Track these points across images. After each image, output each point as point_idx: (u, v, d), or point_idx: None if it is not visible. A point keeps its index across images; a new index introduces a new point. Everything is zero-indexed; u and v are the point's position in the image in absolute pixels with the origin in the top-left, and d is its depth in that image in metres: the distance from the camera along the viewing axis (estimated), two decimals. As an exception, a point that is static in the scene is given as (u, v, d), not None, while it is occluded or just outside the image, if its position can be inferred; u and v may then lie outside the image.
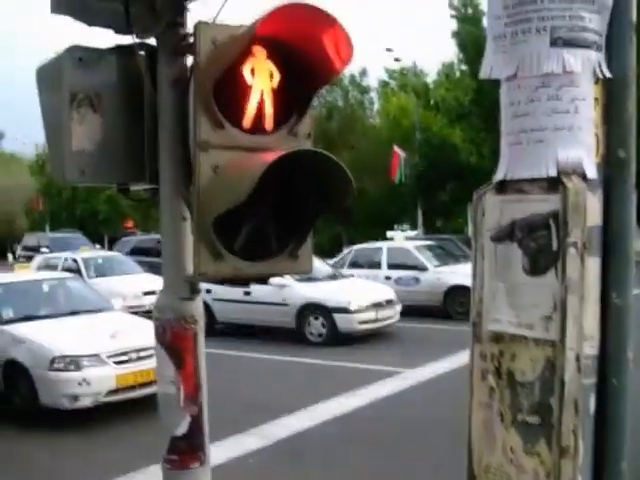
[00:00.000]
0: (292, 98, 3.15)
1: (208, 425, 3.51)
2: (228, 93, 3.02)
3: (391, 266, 19.63)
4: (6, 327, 10.19)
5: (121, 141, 3.39)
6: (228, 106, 3.03)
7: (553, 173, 2.47)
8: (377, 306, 15.36)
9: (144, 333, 9.30)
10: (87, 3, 3.42)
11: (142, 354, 9.56)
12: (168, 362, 3.34)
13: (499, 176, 2.65)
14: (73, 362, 9.22)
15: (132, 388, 9.49)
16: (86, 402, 9.21)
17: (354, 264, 20.29)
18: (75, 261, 20.54)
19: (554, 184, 2.47)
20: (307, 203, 3.10)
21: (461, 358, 11.53)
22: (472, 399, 2.78)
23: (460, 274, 17.57)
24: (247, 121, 3.07)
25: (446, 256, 20.76)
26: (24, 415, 9.45)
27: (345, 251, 22.72)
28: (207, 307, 16.20)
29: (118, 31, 3.49)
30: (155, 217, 46.41)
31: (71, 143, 3.27)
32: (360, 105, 45.46)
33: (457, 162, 37.42)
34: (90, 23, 3.54)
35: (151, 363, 8.92)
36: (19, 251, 37.23)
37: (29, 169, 64.91)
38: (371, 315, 15.19)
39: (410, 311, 17.14)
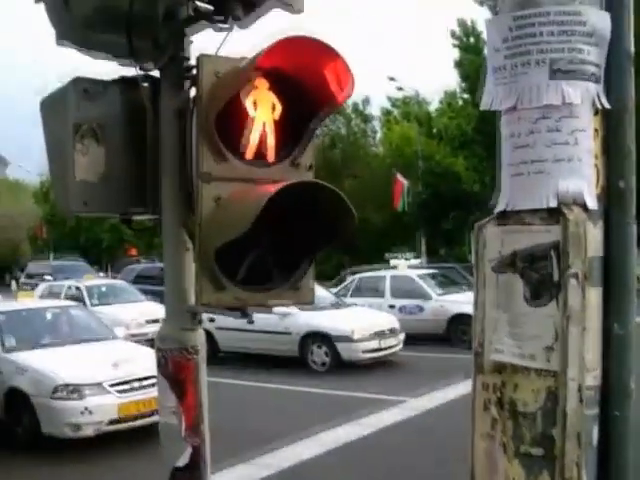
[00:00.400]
0: (294, 130, 3.17)
1: (209, 455, 3.49)
2: (230, 125, 3.04)
3: (394, 294, 19.59)
4: (9, 355, 10.16)
5: (124, 172, 3.40)
6: (230, 138, 3.05)
7: (554, 204, 2.48)
8: (380, 335, 15.32)
9: (147, 362, 9.31)
10: (90, 35, 3.46)
11: (144, 383, 9.52)
12: (169, 392, 3.33)
13: (500, 207, 2.66)
14: (76, 391, 9.16)
15: (134, 417, 9.43)
16: (88, 431, 9.14)
17: (357, 292, 20.25)
18: (78, 289, 20.54)
19: (555, 215, 2.48)
20: (309, 235, 3.10)
21: (464, 387, 11.44)
22: (474, 430, 2.77)
23: (463, 302, 17.51)
24: (249, 153, 3.08)
25: (449, 284, 20.74)
26: (26, 444, 9.41)
27: (348, 279, 22.67)
28: (210, 336, 16.13)
29: (121, 63, 3.52)
30: (158, 245, 46.57)
31: (75, 174, 3.29)
32: (363, 133, 45.64)
33: (460, 190, 37.50)
34: (94, 55, 3.58)
35: (153, 392, 8.86)
36: (22, 279, 37.24)
37: (33, 196, 65.14)
38: (374, 344, 15.14)
39: (413, 339, 17.08)
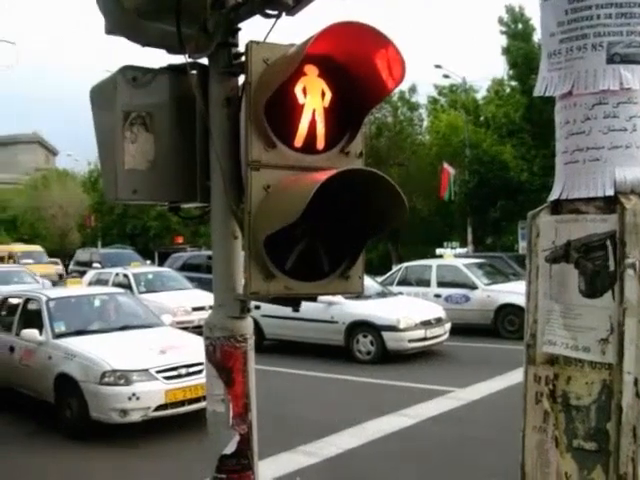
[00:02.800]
0: (344, 117, 3.15)
1: (257, 443, 3.50)
2: (280, 112, 3.02)
3: (441, 284, 19.46)
4: (58, 341, 10.30)
5: (173, 160, 3.41)
6: (280, 125, 3.03)
7: (610, 192, 2.42)
8: (426, 324, 15.21)
9: (194, 349, 9.39)
10: (140, 24, 3.47)
11: (191, 370, 9.59)
12: (218, 380, 3.34)
13: (554, 195, 2.61)
14: (123, 377, 9.26)
15: (181, 404, 9.47)
16: (135, 417, 9.22)
17: (403, 282, 20.16)
18: (126, 276, 20.77)
19: (611, 204, 2.42)
20: (359, 223, 3.08)
21: (511, 378, 11.36)
22: (526, 422, 2.73)
23: (510, 292, 17.36)
24: (299, 140, 3.06)
25: (496, 274, 20.51)
26: (74, 428, 9.54)
27: (394, 269, 22.56)
28: (255, 323, 16.17)
29: (170, 51, 3.53)
30: (204, 233, 46.89)
31: (124, 162, 3.31)
32: (409, 122, 45.24)
33: (507, 179, 37.05)
34: (143, 44, 3.59)
35: (200, 379, 9.06)
36: (71, 266, 37.89)
37: (82, 185, 66.04)
38: (420, 333, 15.03)
39: (460, 329, 16.96)
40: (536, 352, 2.68)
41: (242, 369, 3.35)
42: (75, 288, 13.63)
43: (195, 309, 17.81)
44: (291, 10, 3.21)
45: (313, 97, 3.06)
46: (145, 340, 10.66)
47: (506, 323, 17.69)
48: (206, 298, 16.80)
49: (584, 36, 2.50)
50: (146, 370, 9.43)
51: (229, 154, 3.26)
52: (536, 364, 2.68)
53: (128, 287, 19.23)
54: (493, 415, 9.86)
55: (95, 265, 31.56)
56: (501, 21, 39.41)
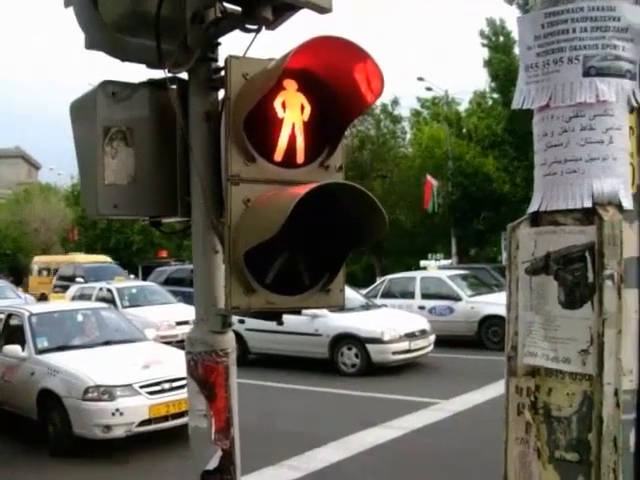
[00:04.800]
0: (323, 131, 3.15)
1: (239, 459, 3.48)
2: (259, 126, 3.03)
3: (425, 296, 19.50)
4: (41, 357, 10.21)
5: (153, 174, 3.41)
6: (259, 139, 3.03)
7: (588, 204, 2.44)
8: (410, 336, 15.23)
9: (177, 364, 9.24)
10: (119, 39, 3.47)
11: (175, 384, 9.51)
12: (199, 396, 3.32)
13: (533, 207, 2.62)
14: (107, 392, 9.17)
15: (165, 419, 9.43)
16: (119, 432, 9.15)
17: (387, 294, 20.17)
18: (109, 291, 20.67)
19: (589, 215, 2.43)
20: (339, 237, 3.08)
21: (495, 389, 11.39)
22: (508, 434, 2.73)
23: (494, 304, 17.38)
24: (278, 154, 3.07)
25: (480, 285, 20.59)
26: (57, 444, 9.45)
27: (378, 281, 22.59)
28: (239, 337, 16.13)
29: (150, 66, 3.53)
30: (188, 247, 46.76)
31: (104, 177, 3.30)
32: (392, 134, 45.35)
33: (490, 191, 37.24)
34: (123, 59, 3.58)
35: (183, 394, 8.80)
36: (54, 281, 37.55)
37: (65, 199, 65.76)
38: (404, 345, 15.04)
39: (445, 341, 16.98)
40: (517, 364, 2.69)
41: (224, 384, 3.33)
42: (58, 303, 13.55)
43: (179, 323, 17.72)
44: (271, 25, 3.23)
45: (292, 111, 3.07)
46: (128, 355, 10.60)
47: (490, 334, 17.74)
48: (190, 312, 16.66)
49: (560, 49, 2.52)
50: (129, 385, 9.35)
51: (209, 168, 3.26)
52: (517, 375, 2.69)
53: (112, 302, 19.13)
54: (477, 427, 9.87)
55: (78, 279, 31.33)
56: (482, 34, 39.69)
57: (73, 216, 60.56)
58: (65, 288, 26.63)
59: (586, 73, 2.48)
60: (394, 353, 14.90)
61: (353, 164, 37.62)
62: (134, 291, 21.40)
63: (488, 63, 39.26)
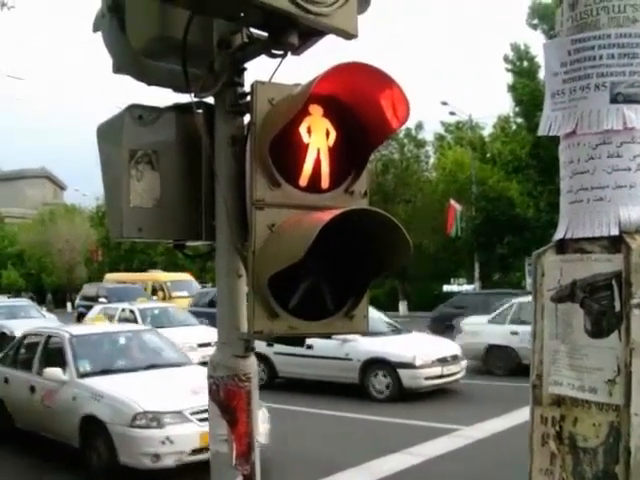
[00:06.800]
0: (348, 156, 3.15)
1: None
2: (285, 151, 3.03)
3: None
4: (83, 381, 9.76)
5: (178, 198, 3.42)
6: (285, 164, 3.03)
7: (615, 232, 2.41)
8: (443, 361, 14.91)
9: None
10: (147, 64, 3.50)
11: None
12: (221, 420, 3.31)
13: (559, 235, 2.60)
14: (155, 419, 8.68)
15: None
16: (169, 462, 8.58)
17: (517, 320, 17.37)
18: (132, 312, 20.76)
19: (616, 243, 2.41)
20: (363, 263, 3.07)
21: (520, 416, 11.26)
22: (532, 464, 2.70)
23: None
24: (303, 180, 3.07)
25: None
26: (102, 474, 9.00)
27: (505, 305, 18.97)
28: (268, 361, 15.99)
29: (176, 90, 3.56)
30: (211, 269, 46.86)
31: (129, 200, 3.31)
32: (416, 159, 45.44)
33: (514, 215, 37.13)
34: (149, 83, 3.62)
35: None
36: (78, 301, 37.72)
37: (89, 220, 66.36)
38: (437, 371, 14.71)
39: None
40: (542, 393, 2.65)
41: (246, 408, 3.32)
42: (98, 325, 13.16)
43: (200, 345, 17.73)
44: (296, 50, 3.24)
45: (318, 136, 3.07)
46: (175, 380, 10.10)
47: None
48: (212, 334, 16.75)
49: (587, 76, 2.51)
50: (179, 412, 8.85)
51: (234, 193, 3.27)
52: (542, 405, 2.66)
53: (134, 322, 19.18)
54: (499, 454, 9.76)
55: (101, 300, 31.50)
56: (507, 59, 39.81)
57: (97, 237, 61.07)
58: (89, 308, 26.75)
59: (613, 100, 2.46)
60: (426, 378, 14.58)
61: (377, 188, 37.64)
62: (156, 312, 21.49)
63: (512, 88, 39.30)
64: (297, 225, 2.91)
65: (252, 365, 3.39)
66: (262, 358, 15.30)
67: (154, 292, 33.43)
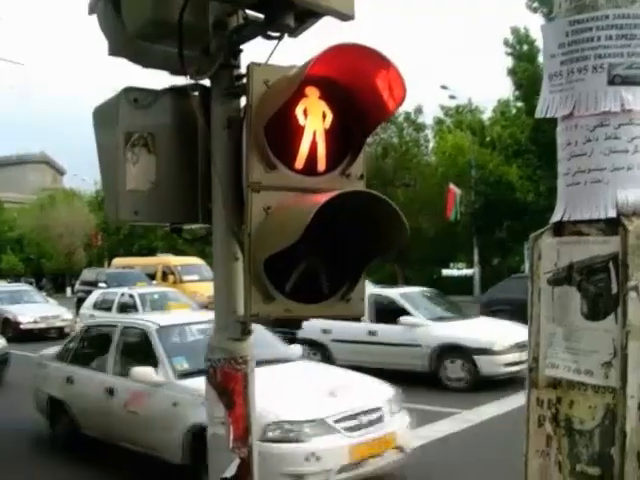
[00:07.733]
0: (345, 139, 3.14)
1: (257, 467, 3.46)
2: (281, 134, 3.02)
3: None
4: (184, 382, 7.75)
5: (175, 181, 3.41)
6: (281, 147, 3.02)
7: (612, 214, 2.40)
8: (521, 347, 12.58)
9: (364, 388, 7.86)
10: (142, 46, 3.49)
11: (371, 417, 7.34)
12: (218, 403, 3.32)
13: (556, 217, 2.59)
14: (293, 430, 6.90)
15: (362, 462, 7.09)
16: None
17: None
18: (131, 296, 20.78)
19: (613, 225, 2.40)
20: (359, 246, 3.06)
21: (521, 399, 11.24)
22: (528, 446, 2.70)
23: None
24: (299, 162, 3.05)
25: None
26: None
27: None
28: (324, 349, 14.90)
29: (172, 73, 3.54)
30: (210, 253, 46.56)
31: (125, 183, 3.30)
32: (415, 143, 45.30)
33: (513, 200, 37.09)
34: (145, 65, 3.60)
35: (382, 429, 7.33)
36: (77, 286, 37.66)
37: (88, 205, 66.26)
38: (515, 357, 13.14)
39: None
40: (538, 375, 2.65)
41: (242, 392, 3.33)
42: (181, 314, 11.19)
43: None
44: (293, 32, 3.22)
45: (314, 119, 3.06)
46: (300, 379, 8.24)
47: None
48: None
49: (585, 58, 2.49)
50: (322, 420, 7.02)
51: (230, 175, 3.26)
52: (539, 387, 2.65)
53: (133, 307, 19.20)
54: (497, 436, 9.79)
55: (101, 285, 31.48)
56: (506, 42, 39.63)
57: (97, 221, 60.99)
58: (88, 293, 26.78)
59: (611, 82, 2.44)
60: (506, 365, 13.31)
61: (376, 172, 37.56)
62: (156, 297, 21.48)
63: (512, 72, 39.17)
64: (293, 207, 2.91)
65: (249, 348, 3.40)
66: (318, 346, 14.77)
67: (164, 276, 32.48)
